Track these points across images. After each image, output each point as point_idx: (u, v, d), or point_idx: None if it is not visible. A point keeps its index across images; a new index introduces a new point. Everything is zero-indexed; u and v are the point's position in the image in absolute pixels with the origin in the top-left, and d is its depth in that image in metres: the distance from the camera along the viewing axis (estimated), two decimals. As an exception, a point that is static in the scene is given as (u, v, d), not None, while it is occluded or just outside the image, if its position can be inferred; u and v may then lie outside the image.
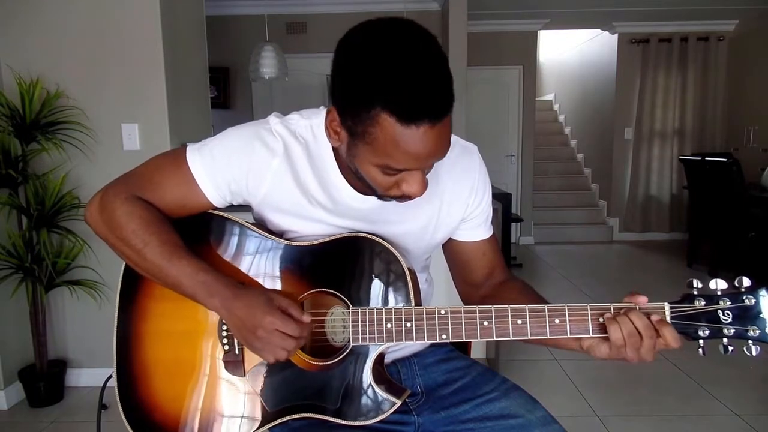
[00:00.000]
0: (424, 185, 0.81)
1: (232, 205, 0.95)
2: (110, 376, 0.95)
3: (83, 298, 2.47)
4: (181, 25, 2.62)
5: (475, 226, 1.01)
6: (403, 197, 0.83)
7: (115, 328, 0.93)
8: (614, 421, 2.25)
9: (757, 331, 0.77)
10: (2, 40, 2.37)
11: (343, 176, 0.90)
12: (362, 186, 0.86)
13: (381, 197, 0.85)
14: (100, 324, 2.49)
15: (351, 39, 0.76)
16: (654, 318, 0.78)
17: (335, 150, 0.89)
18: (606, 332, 0.80)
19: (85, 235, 2.35)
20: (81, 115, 2.38)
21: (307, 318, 0.84)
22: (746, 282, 0.78)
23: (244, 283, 0.88)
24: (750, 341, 0.77)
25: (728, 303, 0.78)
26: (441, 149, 0.77)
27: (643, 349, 0.78)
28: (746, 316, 0.77)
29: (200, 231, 0.94)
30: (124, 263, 0.93)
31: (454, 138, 0.99)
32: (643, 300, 0.80)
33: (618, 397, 2.46)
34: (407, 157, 0.75)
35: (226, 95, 5.25)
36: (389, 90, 0.71)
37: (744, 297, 0.77)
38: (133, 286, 0.94)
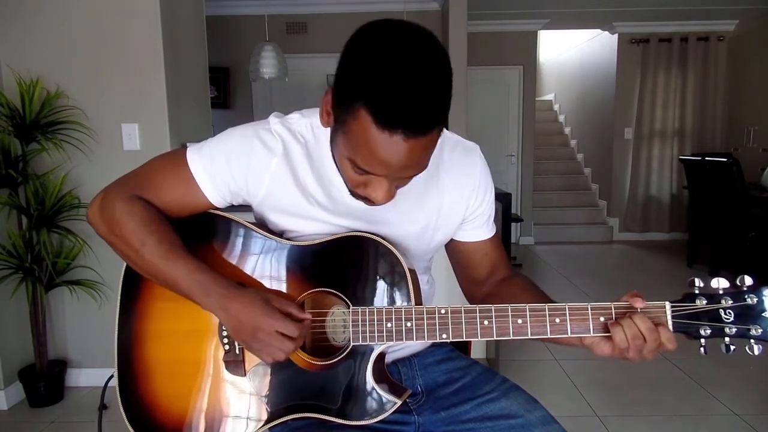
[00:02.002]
0: (389, 195, 0.80)
1: (233, 205, 0.95)
2: (111, 376, 0.95)
3: (83, 298, 2.47)
4: (181, 25, 2.61)
5: (477, 226, 1.01)
6: (368, 200, 0.83)
7: (116, 328, 0.93)
8: (614, 421, 2.25)
9: (760, 330, 0.76)
10: (2, 40, 2.37)
11: None
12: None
13: (350, 192, 0.85)
14: (100, 324, 2.49)
15: (361, 32, 0.76)
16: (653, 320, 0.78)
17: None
18: (607, 332, 0.80)
19: (85, 235, 2.35)
20: (81, 115, 2.38)
21: (306, 317, 0.84)
22: (748, 281, 0.78)
23: (244, 284, 0.88)
24: (752, 340, 0.77)
25: (730, 302, 0.77)
26: (412, 165, 0.75)
27: (645, 350, 0.78)
28: (748, 315, 0.77)
29: (200, 231, 0.94)
30: (126, 263, 0.93)
31: (455, 138, 0.99)
32: (641, 303, 0.80)
33: (618, 397, 2.46)
34: (373, 160, 0.74)
35: (226, 95, 5.25)
36: (374, 89, 0.70)
37: (746, 296, 0.77)
38: (135, 285, 0.94)
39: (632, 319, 0.78)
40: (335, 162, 0.86)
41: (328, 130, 0.88)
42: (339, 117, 0.76)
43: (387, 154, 0.72)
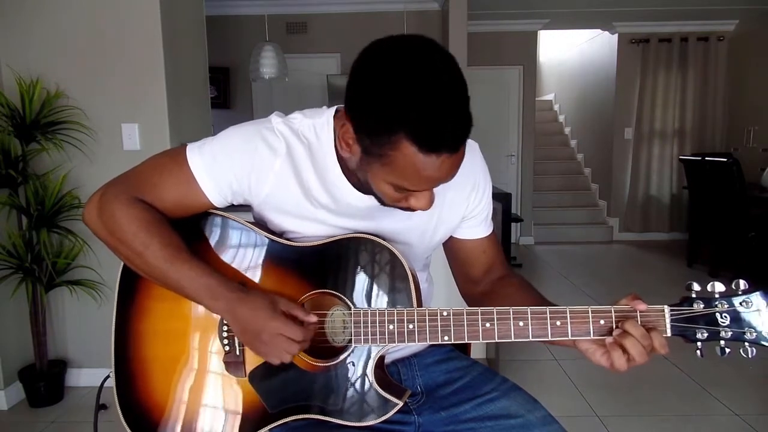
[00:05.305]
0: (432, 200, 0.83)
1: (233, 205, 0.95)
2: (108, 376, 0.94)
3: (83, 298, 2.47)
4: (181, 25, 2.61)
5: (476, 224, 1.02)
6: (409, 209, 0.85)
7: (113, 328, 0.93)
8: (614, 421, 2.25)
9: (754, 334, 0.78)
10: (2, 40, 2.37)
11: (345, 176, 0.90)
12: (367, 189, 0.87)
13: (386, 205, 0.86)
14: (100, 324, 2.49)
15: (375, 55, 0.75)
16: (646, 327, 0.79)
17: (339, 154, 0.88)
18: (608, 334, 0.81)
19: (85, 235, 2.35)
20: (81, 115, 2.38)
21: (312, 319, 0.85)
22: (743, 285, 0.79)
23: (247, 285, 0.88)
24: (746, 343, 0.78)
25: (726, 306, 0.79)
26: (454, 174, 0.79)
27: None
28: (743, 318, 0.78)
29: (201, 231, 0.94)
30: (123, 262, 0.92)
31: None
32: (642, 306, 0.80)
33: (618, 397, 2.46)
34: (422, 181, 0.77)
35: (226, 95, 5.25)
36: (414, 119, 0.71)
37: (741, 300, 0.78)
38: (132, 285, 0.94)
39: (634, 337, 0.78)
40: (363, 182, 0.84)
41: (331, 131, 0.89)
42: (371, 150, 0.77)
43: (434, 174, 0.76)
